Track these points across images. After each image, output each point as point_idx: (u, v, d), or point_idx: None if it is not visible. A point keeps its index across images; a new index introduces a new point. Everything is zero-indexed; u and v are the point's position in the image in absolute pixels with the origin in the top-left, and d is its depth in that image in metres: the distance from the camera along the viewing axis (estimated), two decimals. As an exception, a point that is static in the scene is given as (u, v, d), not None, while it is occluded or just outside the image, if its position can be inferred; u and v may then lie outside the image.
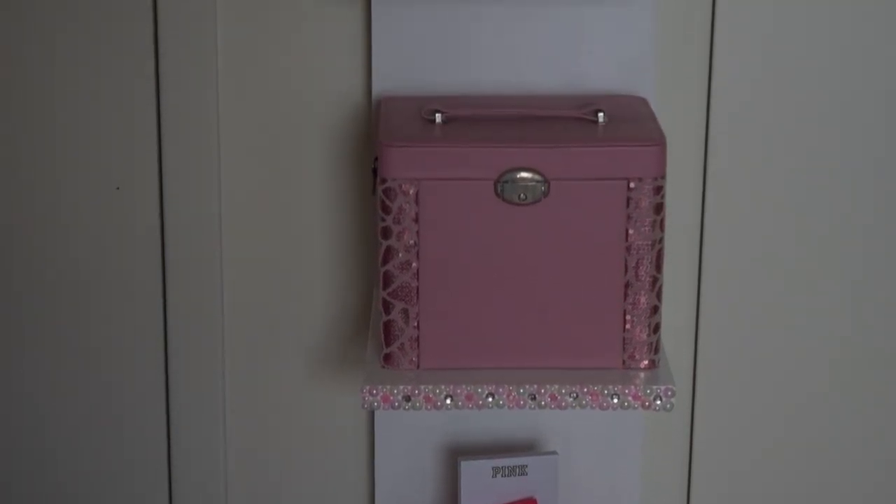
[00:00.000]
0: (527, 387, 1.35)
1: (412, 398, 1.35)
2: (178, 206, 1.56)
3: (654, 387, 1.35)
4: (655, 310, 1.37)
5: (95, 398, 1.61)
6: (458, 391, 1.35)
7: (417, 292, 1.36)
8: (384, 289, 1.37)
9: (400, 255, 1.36)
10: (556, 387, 1.35)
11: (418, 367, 1.38)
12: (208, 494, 1.62)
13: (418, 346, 1.38)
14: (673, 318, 1.55)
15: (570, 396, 1.35)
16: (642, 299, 1.37)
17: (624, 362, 1.38)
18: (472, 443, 1.58)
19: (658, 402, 1.35)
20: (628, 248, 1.35)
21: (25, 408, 1.62)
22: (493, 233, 1.35)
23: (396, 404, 1.35)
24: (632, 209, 1.35)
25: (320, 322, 1.61)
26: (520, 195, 1.34)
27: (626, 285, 1.36)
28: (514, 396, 1.35)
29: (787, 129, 1.55)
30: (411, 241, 1.35)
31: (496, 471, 1.49)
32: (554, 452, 1.53)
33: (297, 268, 1.60)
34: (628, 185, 1.35)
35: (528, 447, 1.57)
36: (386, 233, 1.36)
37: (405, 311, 1.37)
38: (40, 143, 1.55)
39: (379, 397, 1.35)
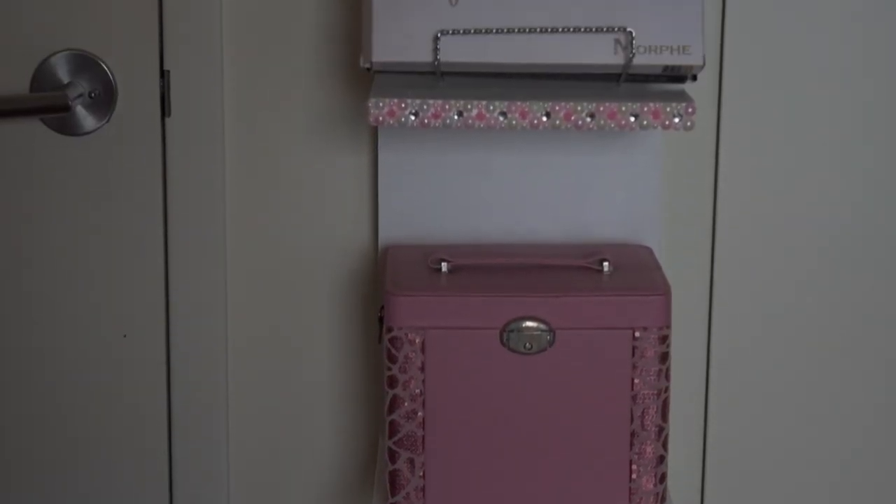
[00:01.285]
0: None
1: (418, 549, 1.34)
2: (185, 354, 1.56)
3: (662, 538, 1.34)
4: (662, 459, 1.37)
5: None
6: (464, 542, 1.34)
7: (423, 442, 1.36)
8: (390, 438, 1.37)
9: (406, 404, 1.36)
10: (563, 537, 1.34)
11: (424, 516, 1.37)
12: None
13: (424, 496, 1.37)
14: (679, 462, 1.55)
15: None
16: (648, 449, 1.36)
17: (631, 512, 1.37)
18: None
19: (665, 554, 1.34)
20: (634, 398, 1.35)
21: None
22: (499, 382, 1.35)
23: (402, 555, 1.34)
24: (637, 358, 1.35)
25: (326, 470, 1.61)
26: (525, 345, 1.35)
27: (633, 434, 1.36)
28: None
29: (792, 278, 1.56)
30: (417, 390, 1.35)
31: None
32: None
33: (303, 416, 1.60)
34: (633, 335, 1.35)
35: None
36: (392, 382, 1.36)
37: (411, 461, 1.37)
38: (49, 288, 1.56)
39: (384, 548, 1.34)
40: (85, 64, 1.50)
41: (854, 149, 1.54)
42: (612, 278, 1.39)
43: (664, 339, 1.36)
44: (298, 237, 1.56)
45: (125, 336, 1.56)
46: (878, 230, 1.55)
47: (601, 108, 1.33)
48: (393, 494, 1.38)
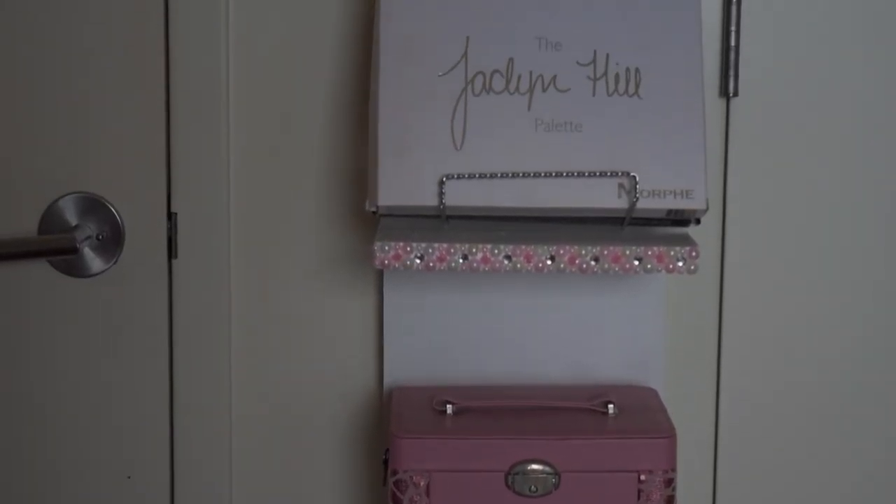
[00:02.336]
0: None
1: None
2: (190, 498, 1.55)
3: None
4: None
5: None
6: None
7: (428, 586, 1.35)
8: (394, 582, 1.36)
9: (411, 547, 1.35)
10: None
11: None
12: None
13: None
14: None
15: None
16: None
17: None
18: None
19: None
20: (640, 541, 1.35)
21: None
22: (505, 526, 1.35)
23: None
24: (643, 501, 1.34)
25: None
26: (530, 487, 1.34)
27: (640, 578, 1.35)
28: None
29: (797, 420, 1.56)
30: (422, 534, 1.35)
31: None
32: None
33: (306, 559, 1.59)
34: (639, 478, 1.34)
35: None
36: (397, 525, 1.35)
37: None
38: (54, 428, 1.55)
39: None
40: (93, 206, 1.52)
41: (859, 286, 1.54)
42: (618, 421, 1.39)
43: (670, 482, 1.35)
44: (303, 378, 1.56)
45: (129, 477, 1.56)
46: (883, 374, 1.56)
47: (605, 252, 1.34)
48: None
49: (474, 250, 1.35)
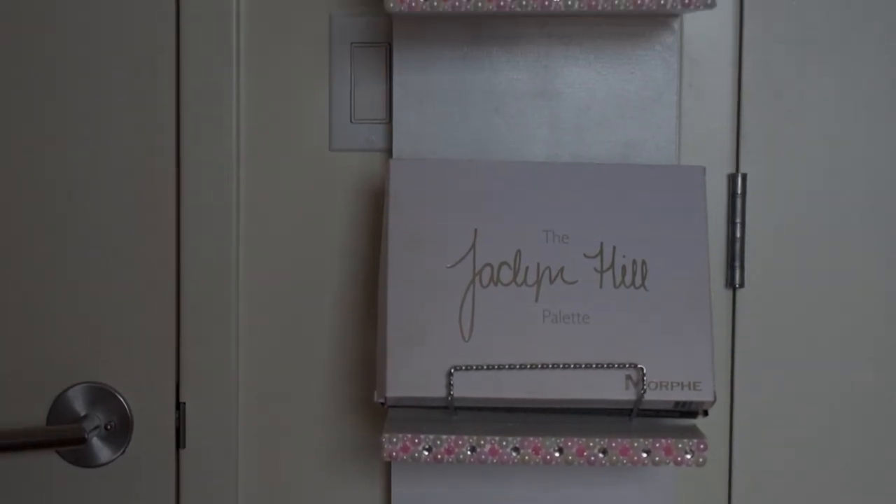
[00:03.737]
0: None
1: None
2: None
3: None
4: None
5: None
6: None
7: None
8: None
9: None
10: None
11: None
12: None
13: None
14: None
15: None
16: None
17: None
18: None
19: None
20: None
21: None
22: None
23: None
24: None
25: None
26: None
27: None
28: None
29: None
30: None
31: None
32: None
33: None
34: None
35: None
36: None
37: None
38: None
39: None
40: (102, 396, 1.52)
41: (870, 464, 1.54)
42: None
43: None
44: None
45: None
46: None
47: (613, 444, 1.34)
48: None
49: (482, 442, 1.35)
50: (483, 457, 1.35)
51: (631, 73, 1.47)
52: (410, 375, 1.36)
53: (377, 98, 1.51)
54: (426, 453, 1.35)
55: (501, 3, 1.29)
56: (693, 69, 1.50)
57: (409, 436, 1.35)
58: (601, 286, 1.38)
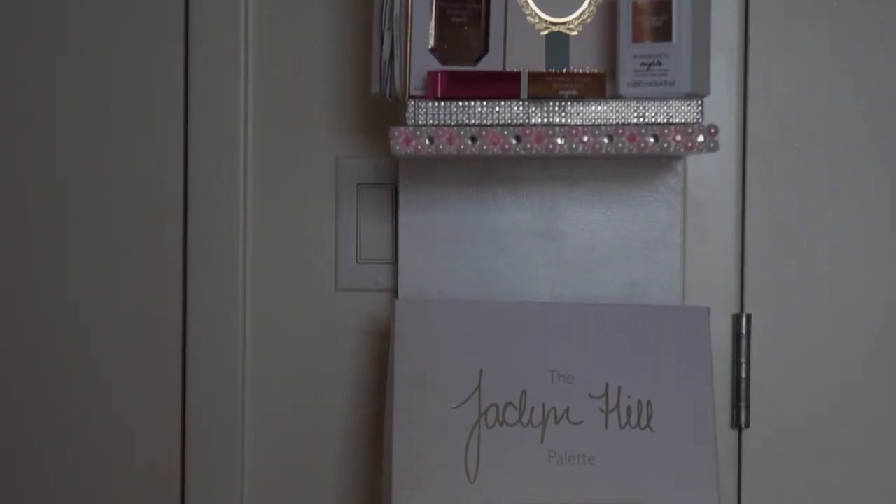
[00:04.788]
0: None
1: None
2: None
3: None
4: None
5: None
6: None
7: None
8: None
9: None
10: None
11: None
12: None
13: None
14: None
15: None
16: None
17: None
18: None
19: None
20: None
21: None
22: None
23: None
24: None
25: None
26: None
27: None
28: None
29: None
30: None
31: None
32: None
33: None
34: None
35: None
36: None
37: None
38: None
39: None
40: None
41: None
42: None
43: None
44: None
45: None
46: None
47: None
48: None
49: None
50: None
51: (635, 214, 1.48)
52: (416, 519, 1.36)
53: (383, 238, 1.52)
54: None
55: (506, 147, 1.30)
56: (697, 210, 1.51)
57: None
58: (607, 426, 1.38)
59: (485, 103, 1.30)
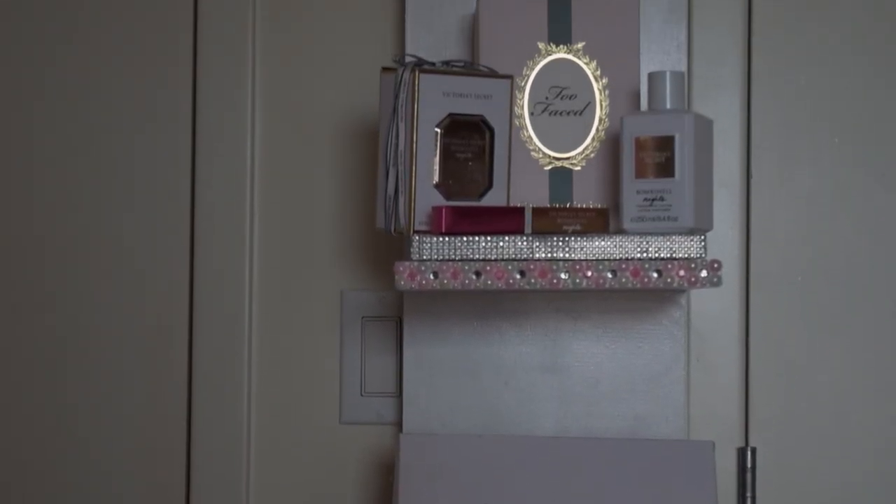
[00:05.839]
0: None
1: None
2: None
3: None
4: None
5: None
6: None
7: None
8: None
9: None
10: None
11: None
12: None
13: None
14: None
15: None
16: None
17: None
18: None
19: None
20: None
21: None
22: None
23: None
24: None
25: None
26: None
27: None
28: None
29: None
30: None
31: None
32: None
33: None
34: None
35: None
36: None
37: None
38: None
39: None
40: None
41: None
42: None
43: None
44: None
45: None
46: None
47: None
48: None
49: None
50: None
51: (639, 347, 1.48)
52: None
53: (388, 371, 1.52)
54: None
55: (510, 282, 1.31)
56: (700, 343, 1.51)
57: None
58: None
59: (489, 238, 1.31)
